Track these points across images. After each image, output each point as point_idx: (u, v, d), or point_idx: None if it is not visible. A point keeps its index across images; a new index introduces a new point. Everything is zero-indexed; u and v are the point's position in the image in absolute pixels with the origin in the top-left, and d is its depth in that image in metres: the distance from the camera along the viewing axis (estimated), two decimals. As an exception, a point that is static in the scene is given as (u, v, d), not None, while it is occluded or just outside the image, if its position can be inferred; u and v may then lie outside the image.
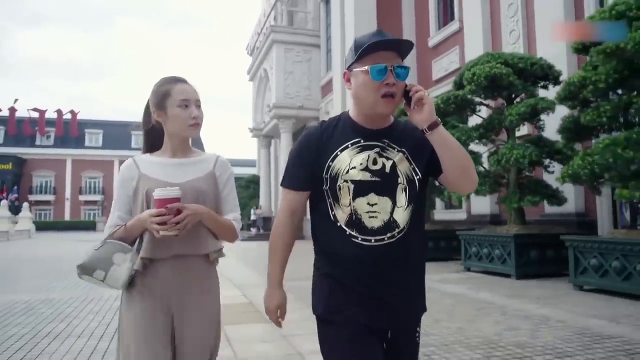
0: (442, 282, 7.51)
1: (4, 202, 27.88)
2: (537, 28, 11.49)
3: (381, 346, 1.44)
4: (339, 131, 1.48)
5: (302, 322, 3.98)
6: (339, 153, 1.44)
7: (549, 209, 10.26)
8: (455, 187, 1.46)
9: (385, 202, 1.40)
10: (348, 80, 1.46)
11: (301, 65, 22.81)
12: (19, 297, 6.60)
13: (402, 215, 1.41)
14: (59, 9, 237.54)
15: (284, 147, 23.04)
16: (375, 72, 1.34)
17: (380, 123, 1.47)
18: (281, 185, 1.55)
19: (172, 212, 1.53)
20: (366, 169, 1.40)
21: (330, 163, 1.43)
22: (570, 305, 5.49)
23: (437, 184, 1.43)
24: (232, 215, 1.74)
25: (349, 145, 1.44)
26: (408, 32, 18.86)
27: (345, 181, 1.40)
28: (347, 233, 1.40)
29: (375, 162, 1.42)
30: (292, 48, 22.79)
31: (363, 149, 1.43)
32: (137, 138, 54.71)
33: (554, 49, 10.13)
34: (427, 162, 1.46)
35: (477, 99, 8.87)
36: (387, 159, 1.43)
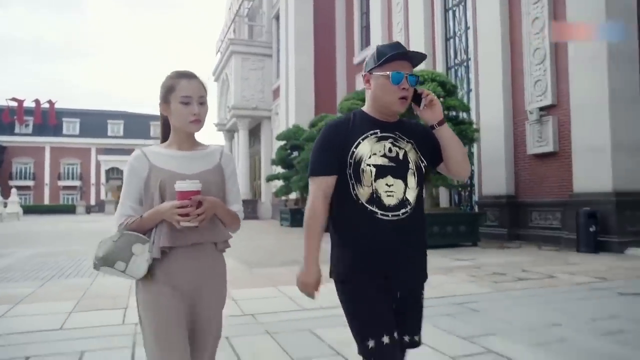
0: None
1: (-3, 188, 31.43)
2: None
3: (392, 302, 1.69)
4: (359, 123, 1.71)
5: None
6: (361, 141, 1.67)
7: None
8: (456, 174, 1.78)
9: (399, 184, 1.65)
10: (368, 81, 1.71)
11: (256, 72, 26.93)
12: (52, 249, 10.83)
13: (412, 195, 1.68)
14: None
15: (242, 142, 27.47)
16: (395, 78, 1.61)
17: (391, 118, 1.74)
18: (312, 174, 1.70)
19: (195, 204, 1.62)
20: (384, 155, 1.66)
21: (354, 149, 1.66)
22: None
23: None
24: (237, 206, 1.85)
25: (369, 135, 1.68)
26: (340, 50, 23.11)
27: (369, 165, 1.63)
28: (368, 209, 1.63)
29: (390, 151, 1.67)
30: (249, 58, 26.88)
31: (380, 139, 1.68)
32: (114, 126, 57.88)
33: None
34: (430, 153, 1.76)
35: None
36: (400, 148, 1.69)
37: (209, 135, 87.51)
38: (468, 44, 13.57)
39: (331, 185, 1.69)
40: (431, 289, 5.53)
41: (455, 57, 14.34)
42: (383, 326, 1.61)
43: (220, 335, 1.83)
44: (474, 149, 12.29)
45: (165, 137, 1.85)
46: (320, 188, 1.68)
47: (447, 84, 10.26)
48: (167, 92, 1.74)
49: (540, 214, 10.77)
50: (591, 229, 8.76)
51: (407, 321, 1.72)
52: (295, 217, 17.91)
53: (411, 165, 1.69)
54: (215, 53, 37.95)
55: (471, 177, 12.78)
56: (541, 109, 10.56)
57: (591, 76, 9.25)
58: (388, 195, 1.64)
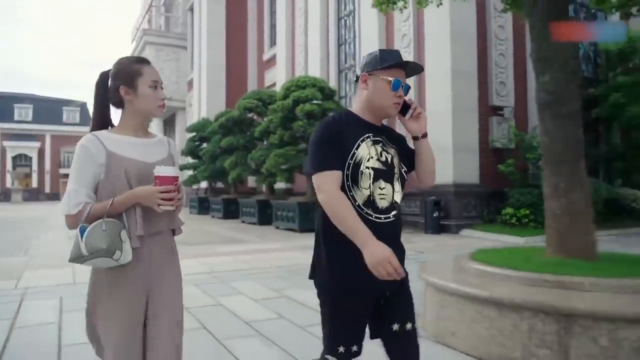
0: (227, 228, 13.22)
1: None
2: (310, 61, 17.34)
3: (372, 307, 1.76)
4: (353, 124, 1.73)
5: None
6: (360, 143, 1.70)
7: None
8: (425, 182, 1.88)
9: (389, 187, 1.72)
10: (365, 81, 1.74)
11: (171, 63, 27.34)
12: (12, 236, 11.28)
13: (398, 198, 1.75)
14: None
15: (156, 132, 27.71)
16: (395, 85, 1.68)
17: (379, 122, 1.80)
18: (318, 170, 1.64)
19: (176, 189, 1.67)
20: (378, 159, 1.71)
21: (355, 151, 1.68)
22: (251, 232, 11.39)
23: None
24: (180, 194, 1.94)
25: (365, 138, 1.71)
26: (251, 46, 24.17)
27: (367, 168, 1.68)
28: (364, 212, 1.67)
29: (381, 155, 1.73)
30: (163, 49, 27.21)
31: (374, 142, 1.73)
32: (21, 111, 54.89)
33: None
34: (406, 160, 1.84)
35: (249, 116, 14.65)
36: (388, 152, 1.76)
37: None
38: (355, 50, 15.25)
39: (340, 179, 1.66)
40: (280, 260, 7.08)
41: (345, 61, 16.00)
42: (357, 338, 1.75)
43: (183, 323, 1.81)
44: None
45: (99, 123, 1.78)
46: (333, 180, 1.64)
47: (326, 89, 11.82)
48: (134, 76, 1.73)
49: (406, 202, 12.64)
50: (435, 215, 10.70)
51: (397, 308, 1.76)
52: (202, 205, 19.02)
53: (396, 170, 1.77)
54: (131, 41, 37.57)
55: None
56: (407, 113, 12.41)
57: (440, 89, 11.18)
58: (381, 198, 1.69)
